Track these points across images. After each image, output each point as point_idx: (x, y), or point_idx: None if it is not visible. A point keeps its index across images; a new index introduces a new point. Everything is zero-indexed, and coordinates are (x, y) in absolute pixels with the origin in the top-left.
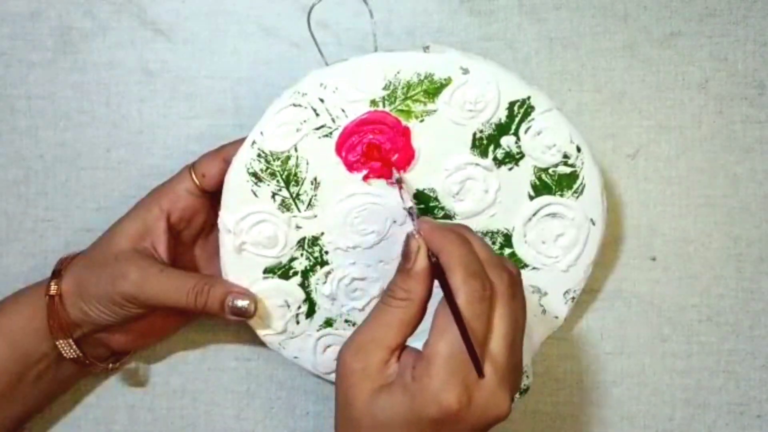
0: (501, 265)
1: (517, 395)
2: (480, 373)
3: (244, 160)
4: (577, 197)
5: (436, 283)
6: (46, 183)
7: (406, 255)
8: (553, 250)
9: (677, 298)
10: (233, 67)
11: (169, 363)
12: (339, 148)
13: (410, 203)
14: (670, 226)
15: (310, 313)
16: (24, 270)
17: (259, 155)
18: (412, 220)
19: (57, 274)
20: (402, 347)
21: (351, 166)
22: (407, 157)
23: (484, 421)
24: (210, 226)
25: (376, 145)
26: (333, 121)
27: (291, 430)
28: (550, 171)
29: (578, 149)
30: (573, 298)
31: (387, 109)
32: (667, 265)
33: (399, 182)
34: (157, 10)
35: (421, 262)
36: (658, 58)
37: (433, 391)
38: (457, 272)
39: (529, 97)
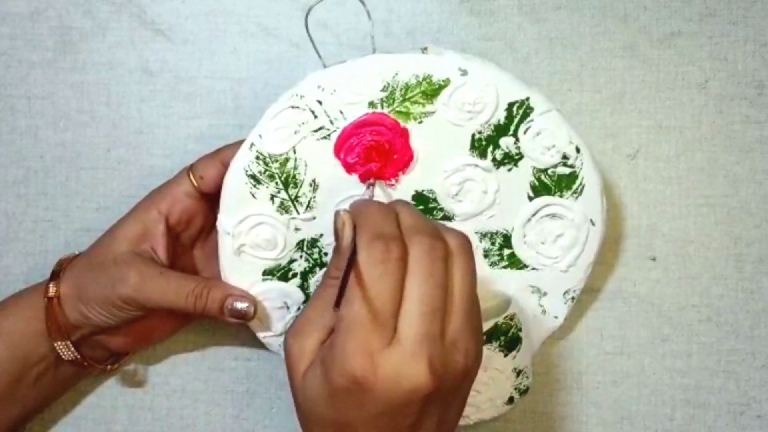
0: (423, 231)
1: (518, 395)
2: (337, 303)
3: (242, 162)
4: (577, 198)
5: None
6: (46, 183)
7: (335, 233)
8: (553, 251)
9: (677, 298)
10: (233, 67)
11: (168, 363)
12: (337, 150)
13: (370, 194)
14: (670, 226)
15: None
16: (24, 270)
17: (257, 157)
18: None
19: (56, 275)
20: None
21: (350, 168)
22: (406, 158)
23: (399, 391)
24: (209, 228)
25: (375, 147)
26: (331, 123)
27: (291, 430)
28: (549, 172)
29: (577, 150)
30: (573, 298)
31: (385, 110)
32: (667, 265)
33: (371, 186)
34: (157, 10)
35: (347, 238)
36: (658, 58)
37: (339, 360)
38: (362, 234)
39: (528, 98)
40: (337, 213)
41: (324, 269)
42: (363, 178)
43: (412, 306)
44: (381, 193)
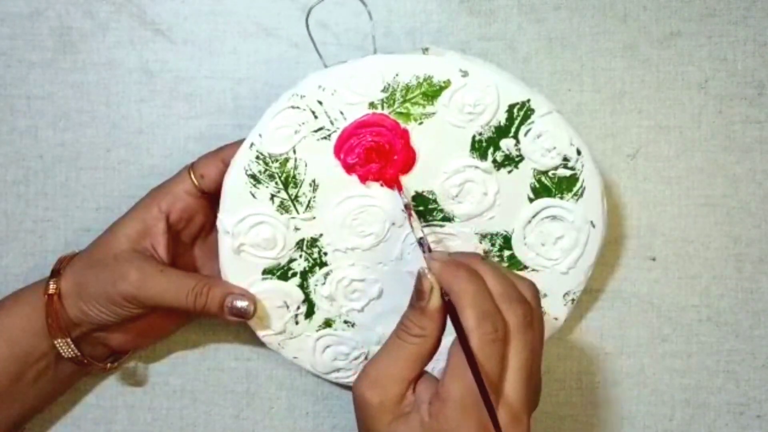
0: (515, 299)
1: None
2: (497, 427)
3: (242, 162)
4: (577, 200)
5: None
6: (46, 183)
7: (419, 293)
8: (553, 253)
9: (677, 298)
10: (233, 67)
11: (168, 363)
12: (337, 151)
13: (421, 233)
14: (670, 226)
15: (309, 313)
16: (24, 270)
17: (257, 157)
18: (423, 252)
19: (56, 273)
20: (417, 379)
21: (349, 169)
22: (407, 159)
23: None
24: (209, 227)
25: (375, 148)
26: (331, 123)
27: (291, 430)
28: (549, 174)
29: (578, 152)
30: (573, 300)
31: (386, 111)
32: (667, 265)
33: (408, 208)
34: (157, 10)
35: (434, 302)
36: (658, 58)
37: (450, 430)
38: (468, 314)
39: (528, 100)
40: (422, 274)
41: (322, 269)
42: (363, 179)
43: (515, 376)
44: (385, 196)
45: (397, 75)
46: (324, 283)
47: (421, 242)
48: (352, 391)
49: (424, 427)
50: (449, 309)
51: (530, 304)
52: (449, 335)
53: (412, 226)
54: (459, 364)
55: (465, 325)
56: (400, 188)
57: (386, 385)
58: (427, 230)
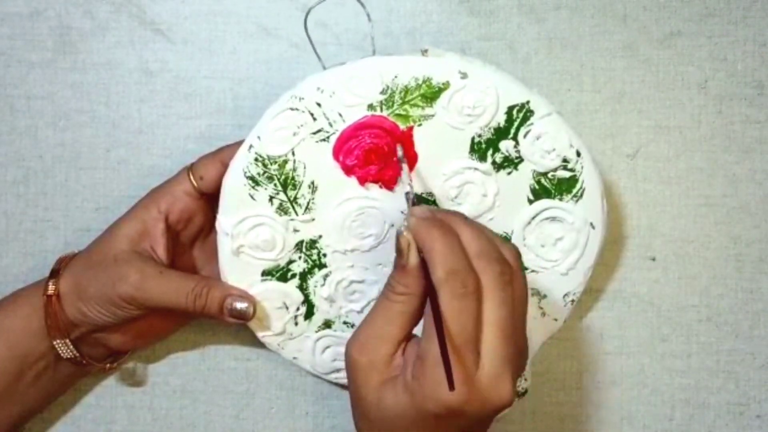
0: (491, 257)
1: (516, 398)
2: (451, 385)
3: (241, 164)
4: (577, 201)
5: None
6: (46, 183)
7: (399, 251)
8: (553, 254)
9: (677, 298)
10: (233, 67)
11: (168, 363)
12: (336, 153)
13: (408, 187)
14: (669, 226)
15: (309, 314)
16: (23, 270)
17: (256, 159)
18: (408, 206)
19: (55, 273)
20: (407, 339)
21: (348, 170)
22: (408, 161)
23: (487, 410)
24: (209, 227)
25: (374, 150)
26: (330, 125)
27: (290, 430)
28: (549, 175)
29: (578, 153)
30: (573, 300)
31: (384, 113)
32: (667, 265)
33: (401, 161)
34: (157, 10)
35: (413, 259)
36: (658, 59)
37: (431, 391)
38: (436, 270)
39: (528, 102)
40: (400, 234)
41: (321, 271)
42: (362, 181)
43: (491, 333)
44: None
45: (395, 77)
46: (323, 285)
47: (407, 196)
48: (344, 356)
49: (407, 388)
50: (424, 266)
51: (509, 264)
52: None
53: (402, 179)
54: (433, 323)
55: (434, 281)
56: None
57: (375, 345)
58: None
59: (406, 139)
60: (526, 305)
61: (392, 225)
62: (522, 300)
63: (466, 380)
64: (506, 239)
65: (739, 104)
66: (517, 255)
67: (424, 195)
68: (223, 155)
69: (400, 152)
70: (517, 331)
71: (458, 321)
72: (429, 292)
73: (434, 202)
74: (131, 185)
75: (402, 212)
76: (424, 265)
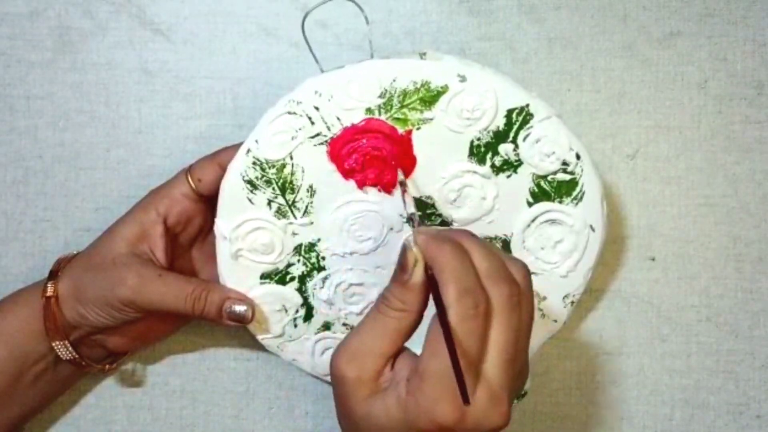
0: (501, 277)
1: (516, 399)
2: (465, 399)
3: (239, 168)
4: (577, 204)
5: None
6: (45, 183)
7: (403, 266)
8: (553, 256)
9: (676, 298)
10: (232, 68)
11: (168, 363)
12: (334, 157)
13: (413, 209)
14: (669, 226)
15: (308, 317)
16: (23, 270)
17: (254, 163)
18: (412, 227)
19: (54, 275)
20: (397, 355)
21: (347, 174)
22: (407, 165)
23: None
24: (207, 229)
25: (372, 153)
26: (328, 129)
27: (290, 430)
28: (548, 178)
29: (578, 156)
30: (572, 302)
31: (383, 117)
32: (667, 265)
33: (402, 185)
34: (156, 10)
35: (417, 276)
36: (658, 58)
37: (426, 408)
38: (449, 288)
39: (527, 105)
40: (407, 247)
41: (320, 273)
42: (360, 184)
43: (496, 355)
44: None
45: (394, 80)
46: (322, 287)
47: (412, 218)
48: (330, 364)
49: (401, 404)
50: (431, 283)
51: (518, 285)
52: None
53: (404, 201)
54: (438, 340)
55: (445, 299)
56: (395, 168)
57: (364, 359)
58: None
59: (405, 142)
60: (531, 327)
61: (391, 228)
62: (529, 320)
63: (462, 403)
64: (516, 258)
65: (739, 104)
66: (526, 273)
67: (423, 198)
68: (221, 158)
69: (401, 176)
70: (520, 354)
71: (464, 342)
72: (438, 310)
73: (433, 206)
74: (131, 185)
75: (401, 215)
76: (430, 283)
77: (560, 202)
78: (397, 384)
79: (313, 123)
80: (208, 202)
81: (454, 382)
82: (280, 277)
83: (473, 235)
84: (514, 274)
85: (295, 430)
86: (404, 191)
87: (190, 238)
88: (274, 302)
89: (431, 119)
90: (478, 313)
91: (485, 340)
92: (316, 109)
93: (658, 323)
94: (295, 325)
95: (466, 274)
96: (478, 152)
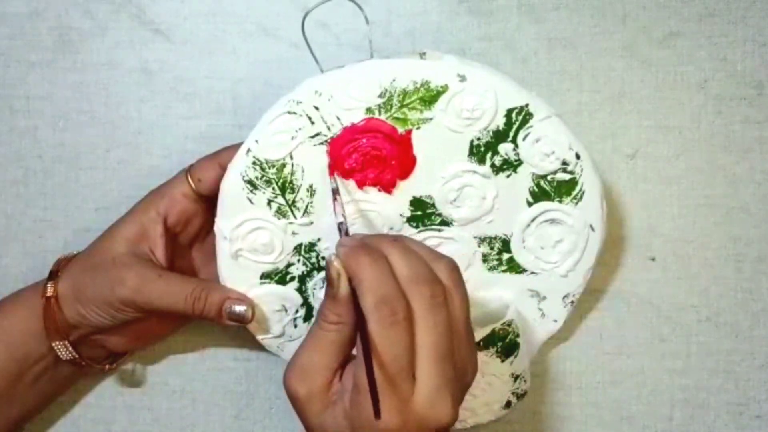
0: (421, 279)
1: (515, 400)
2: (377, 413)
3: (239, 167)
4: (576, 203)
5: None
6: (45, 183)
7: (329, 280)
8: (552, 256)
9: (676, 298)
10: (232, 68)
11: (168, 363)
12: (334, 157)
13: (341, 218)
14: (669, 226)
15: (308, 316)
16: (23, 270)
17: (254, 163)
18: (340, 236)
19: (54, 275)
20: (343, 366)
21: (346, 174)
22: (406, 164)
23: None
24: (207, 229)
25: (372, 153)
26: (328, 128)
27: (290, 430)
28: (548, 178)
29: (577, 156)
30: (572, 302)
31: (383, 116)
32: (667, 265)
33: (334, 192)
34: (157, 10)
35: (343, 288)
36: (657, 59)
37: (366, 418)
38: (366, 299)
39: (527, 104)
40: (329, 262)
41: (320, 273)
42: (360, 184)
43: (425, 356)
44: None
45: (394, 80)
46: (322, 287)
47: (340, 227)
48: (282, 383)
49: (347, 416)
50: (354, 295)
51: (442, 284)
52: None
53: (335, 211)
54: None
55: (363, 309)
56: (331, 173)
57: (312, 375)
58: (425, 234)
59: (405, 142)
60: (467, 321)
61: (391, 228)
62: (461, 318)
63: (401, 408)
64: (442, 255)
65: (738, 104)
66: (453, 270)
67: (423, 198)
68: (221, 158)
69: (333, 184)
70: (459, 351)
71: (390, 350)
72: (358, 321)
73: (433, 206)
74: (131, 185)
75: (401, 215)
76: (353, 295)
77: (560, 201)
78: (343, 395)
79: (313, 123)
80: (208, 202)
81: (388, 388)
82: (280, 277)
83: (396, 240)
84: (439, 272)
85: (295, 430)
86: (335, 199)
87: (190, 238)
88: (274, 302)
89: (431, 119)
90: (398, 320)
91: (413, 344)
92: (316, 108)
93: (658, 323)
94: (295, 325)
95: (383, 283)
96: (477, 152)
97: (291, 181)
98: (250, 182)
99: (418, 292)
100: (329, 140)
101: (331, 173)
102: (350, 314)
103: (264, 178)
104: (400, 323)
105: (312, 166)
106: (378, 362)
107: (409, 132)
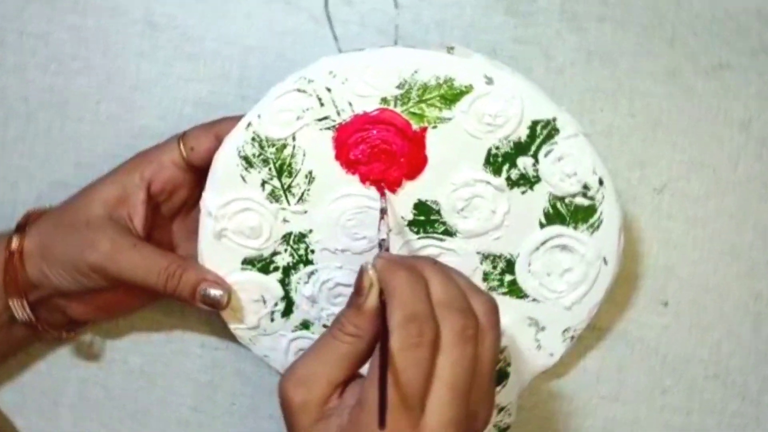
0: (456, 308)
1: None
2: (382, 424)
3: (236, 141)
4: (592, 232)
5: None
6: (27, 128)
7: (358, 289)
8: (559, 285)
9: (685, 348)
10: (244, 33)
11: (130, 340)
12: (340, 145)
13: (384, 235)
14: (688, 270)
15: (287, 312)
16: None
17: (253, 139)
18: (380, 251)
19: (21, 228)
20: (346, 383)
21: (350, 165)
22: (415, 164)
23: None
24: (192, 203)
25: (381, 147)
26: (338, 113)
27: (251, 429)
28: (566, 200)
29: (600, 182)
30: (572, 337)
31: (398, 109)
32: (679, 311)
33: (383, 212)
34: None
35: (371, 300)
36: (701, 89)
37: None
38: (395, 314)
39: (554, 119)
40: (363, 269)
41: (307, 267)
42: (363, 178)
43: (441, 388)
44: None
45: (416, 72)
46: (307, 282)
47: (381, 243)
48: (278, 387)
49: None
50: (382, 309)
51: (476, 318)
52: None
53: (379, 228)
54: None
55: (390, 324)
56: (382, 193)
57: (312, 385)
58: (425, 242)
59: (418, 140)
60: (492, 364)
61: (390, 229)
62: (487, 360)
63: None
64: (485, 293)
65: None
66: (493, 310)
67: (428, 202)
68: (218, 128)
69: (383, 204)
70: (476, 394)
71: (407, 371)
72: (382, 334)
73: (438, 212)
74: (118, 144)
75: (402, 217)
76: (382, 309)
77: (575, 227)
78: (342, 412)
79: (322, 105)
80: (198, 173)
81: (395, 412)
82: (263, 264)
83: (437, 264)
84: (476, 307)
85: (256, 430)
86: (382, 218)
87: (172, 210)
88: (254, 291)
89: (450, 119)
90: (422, 342)
91: (431, 372)
92: (328, 90)
93: (662, 373)
94: (272, 319)
95: (416, 301)
96: (494, 162)
97: (290, 164)
98: (246, 159)
99: (450, 320)
100: (337, 126)
101: (382, 193)
102: (370, 329)
103: (261, 157)
104: (424, 346)
105: (314, 151)
106: (392, 380)
107: (424, 130)
